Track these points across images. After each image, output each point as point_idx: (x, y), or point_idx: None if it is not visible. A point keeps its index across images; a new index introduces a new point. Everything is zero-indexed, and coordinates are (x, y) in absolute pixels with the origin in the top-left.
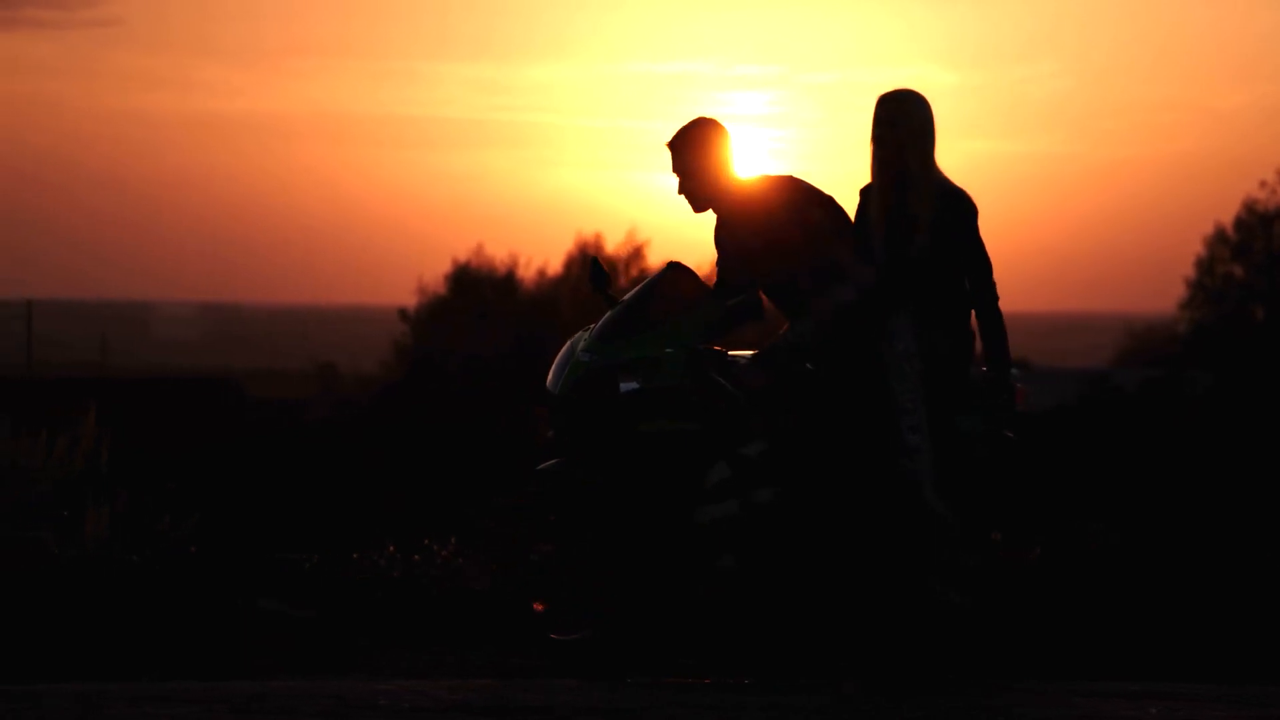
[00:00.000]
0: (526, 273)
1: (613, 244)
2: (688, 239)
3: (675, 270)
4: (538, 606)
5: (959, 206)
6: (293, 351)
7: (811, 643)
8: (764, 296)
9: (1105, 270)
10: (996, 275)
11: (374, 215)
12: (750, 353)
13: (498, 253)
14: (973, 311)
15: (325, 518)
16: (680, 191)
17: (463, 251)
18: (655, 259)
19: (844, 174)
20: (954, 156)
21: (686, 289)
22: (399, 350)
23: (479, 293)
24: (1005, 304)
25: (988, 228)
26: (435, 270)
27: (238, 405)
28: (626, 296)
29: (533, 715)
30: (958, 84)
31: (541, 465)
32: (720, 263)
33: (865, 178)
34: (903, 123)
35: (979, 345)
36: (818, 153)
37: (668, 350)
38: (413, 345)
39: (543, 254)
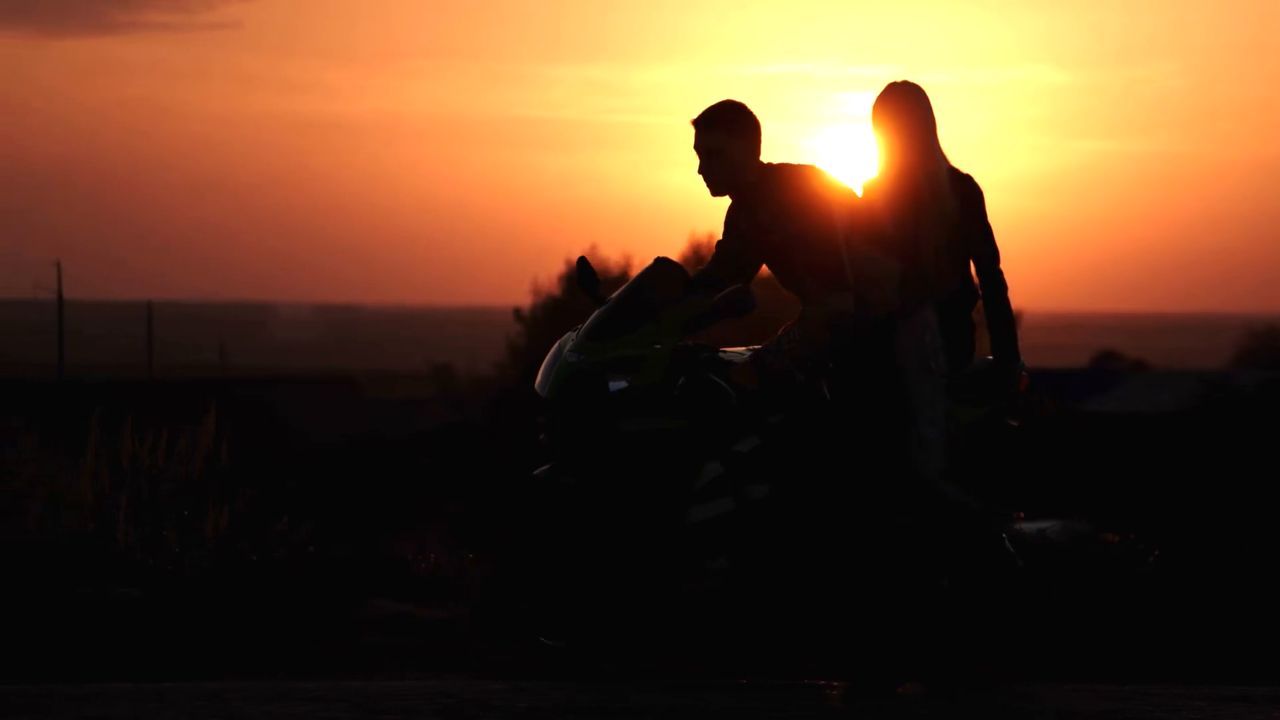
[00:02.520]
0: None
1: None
2: None
3: (662, 266)
4: (539, 614)
5: (966, 191)
6: (408, 352)
7: (806, 642)
8: (782, 287)
9: (1224, 270)
10: (1120, 274)
11: (489, 216)
12: (746, 350)
13: (611, 253)
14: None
15: (442, 518)
16: (701, 171)
17: (577, 251)
18: None
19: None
20: (1066, 156)
21: (675, 285)
22: (513, 351)
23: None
24: (1123, 305)
25: (1102, 228)
26: (550, 271)
27: (354, 406)
28: (614, 295)
29: (629, 716)
30: (1070, 83)
31: (536, 470)
32: (723, 245)
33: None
34: (903, 114)
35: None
36: None
37: (655, 347)
38: (527, 345)
39: (656, 253)
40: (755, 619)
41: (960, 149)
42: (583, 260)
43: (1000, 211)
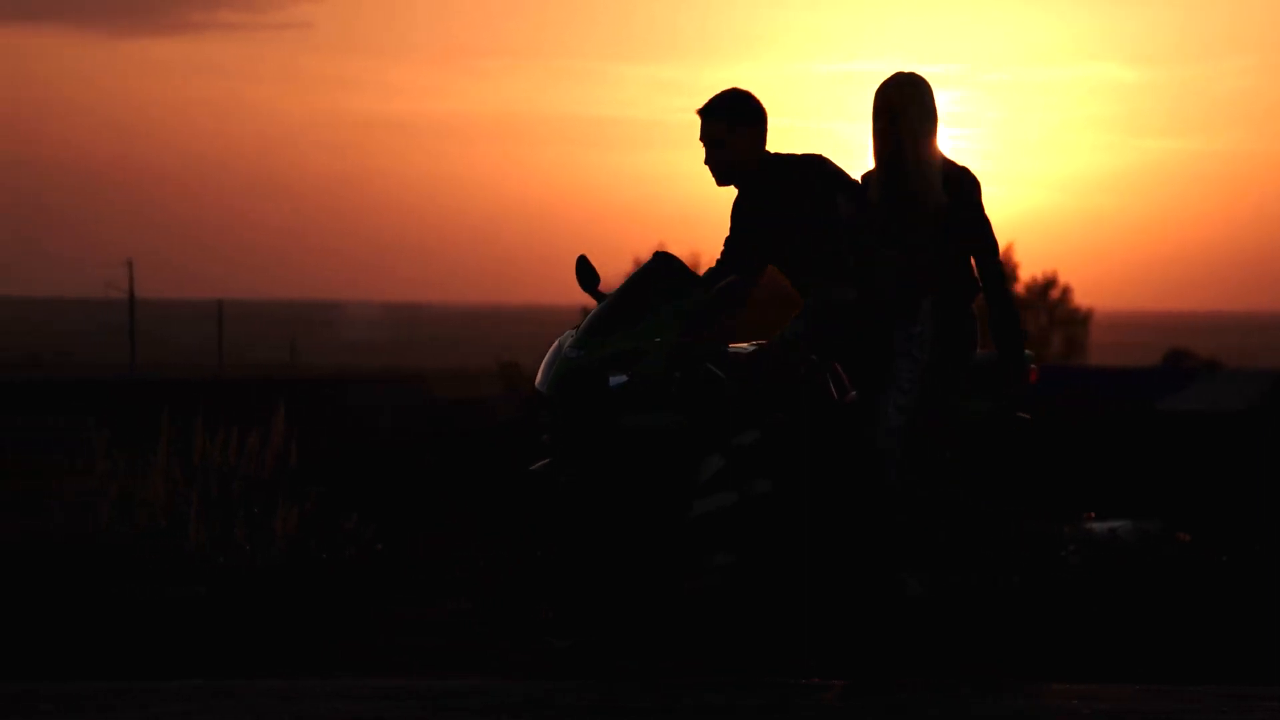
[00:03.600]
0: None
1: None
2: None
3: (662, 260)
4: (543, 614)
5: (962, 184)
6: (477, 350)
7: (807, 641)
8: (785, 279)
9: None
10: (1191, 273)
11: (556, 215)
12: (751, 345)
13: (680, 251)
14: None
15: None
16: (707, 161)
17: (645, 250)
18: None
19: (1028, 171)
20: (1131, 154)
21: (674, 279)
22: None
23: None
24: (1194, 303)
25: (1170, 226)
26: (618, 269)
27: (423, 404)
28: (614, 290)
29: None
30: (1139, 81)
31: (533, 466)
32: (731, 239)
33: (1046, 177)
34: (904, 107)
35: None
36: (999, 151)
37: (655, 341)
38: None
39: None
40: (757, 616)
41: (1024, 147)
42: (582, 258)
43: (1065, 209)
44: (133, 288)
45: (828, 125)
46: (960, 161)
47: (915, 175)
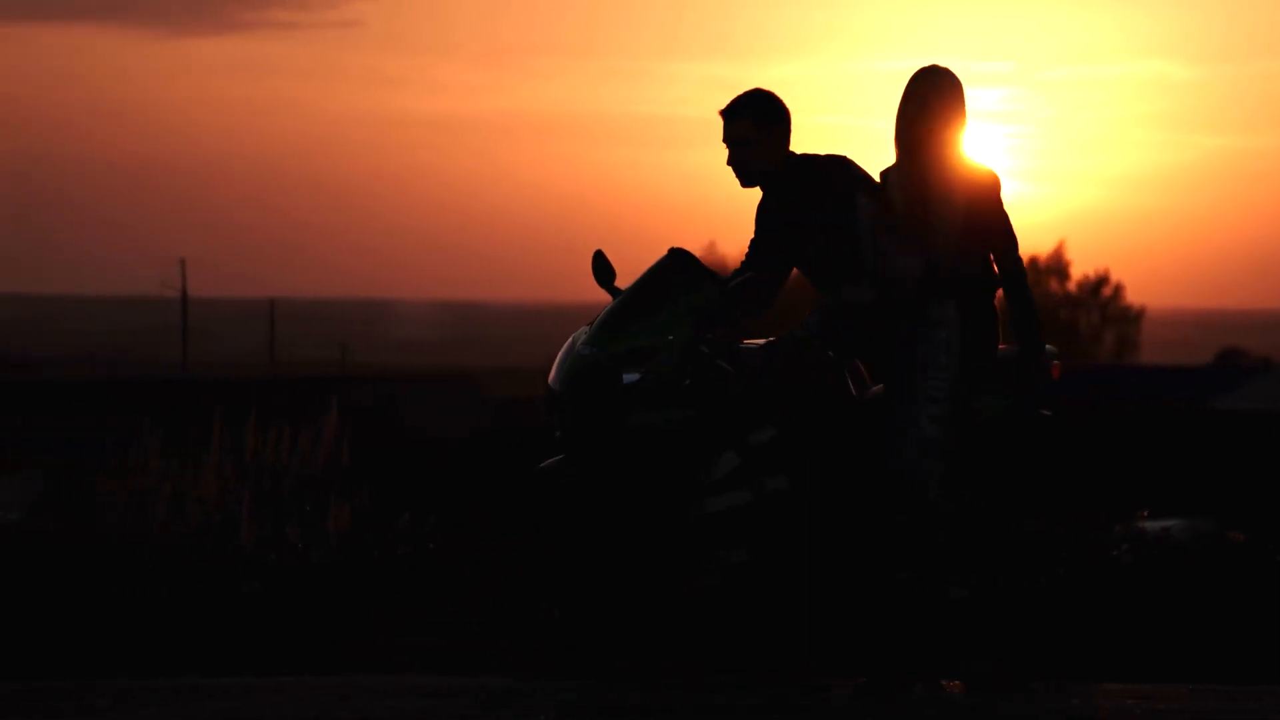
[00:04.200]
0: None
1: None
2: None
3: (677, 257)
4: (556, 612)
5: (981, 180)
6: (529, 349)
7: (807, 641)
8: (808, 279)
9: None
10: (1244, 271)
11: (608, 213)
12: (763, 342)
13: (730, 250)
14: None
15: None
16: (729, 162)
17: (695, 249)
18: None
19: (1080, 169)
20: (1186, 151)
21: (689, 276)
22: None
23: None
24: (1248, 301)
25: (1223, 224)
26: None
27: (475, 403)
28: (628, 286)
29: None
30: (1195, 79)
31: (543, 463)
32: (756, 241)
33: (1103, 172)
34: (930, 100)
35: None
36: (1051, 149)
37: (668, 339)
38: None
39: None
40: (758, 615)
41: (1076, 144)
42: (599, 253)
43: (1117, 207)
44: (185, 286)
45: (881, 124)
46: (985, 160)
47: (937, 167)
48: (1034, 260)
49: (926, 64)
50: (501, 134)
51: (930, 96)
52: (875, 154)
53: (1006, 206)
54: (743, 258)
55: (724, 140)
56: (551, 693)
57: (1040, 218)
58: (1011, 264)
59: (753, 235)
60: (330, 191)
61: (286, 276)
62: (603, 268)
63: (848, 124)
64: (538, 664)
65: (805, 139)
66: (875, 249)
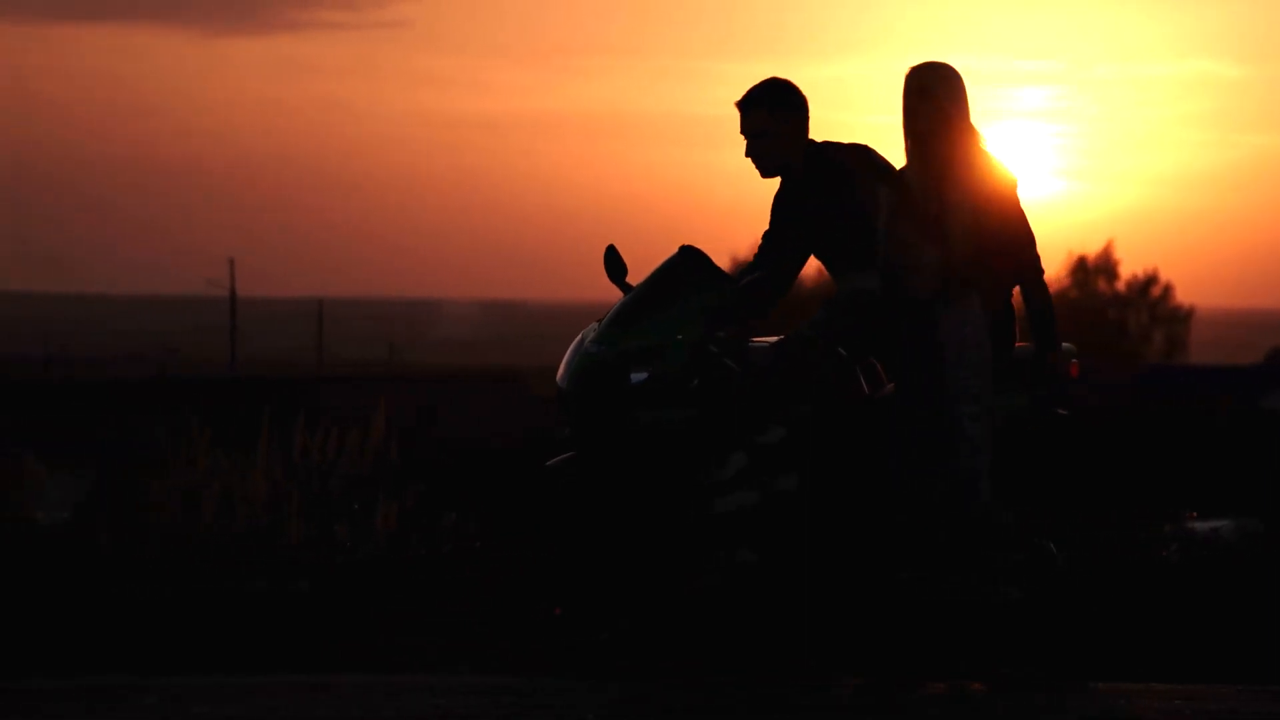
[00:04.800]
0: (807, 270)
1: None
2: None
3: (688, 254)
4: (556, 611)
5: (997, 176)
6: None
7: (807, 641)
8: (825, 270)
9: None
10: None
11: (656, 213)
12: (772, 340)
13: None
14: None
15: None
16: (748, 154)
17: (745, 249)
18: None
19: (1128, 168)
20: (1234, 150)
21: (699, 274)
22: None
23: None
24: None
25: (1272, 223)
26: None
27: (522, 402)
28: (638, 284)
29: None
30: (1243, 77)
31: (551, 461)
32: (770, 233)
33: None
34: (938, 92)
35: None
36: (1099, 147)
37: (677, 338)
38: None
39: None
40: (767, 614)
41: (1124, 143)
42: (611, 248)
43: (1166, 206)
44: (234, 285)
45: None
46: (1002, 157)
47: (948, 153)
48: (1082, 259)
49: (923, 61)
50: (548, 134)
51: (936, 88)
52: None
53: (1054, 206)
54: (755, 252)
55: (741, 132)
56: (585, 692)
57: (1088, 217)
58: (1028, 261)
59: (766, 228)
60: (377, 191)
61: (334, 276)
62: (615, 263)
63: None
64: (538, 664)
65: (858, 138)
66: (895, 239)
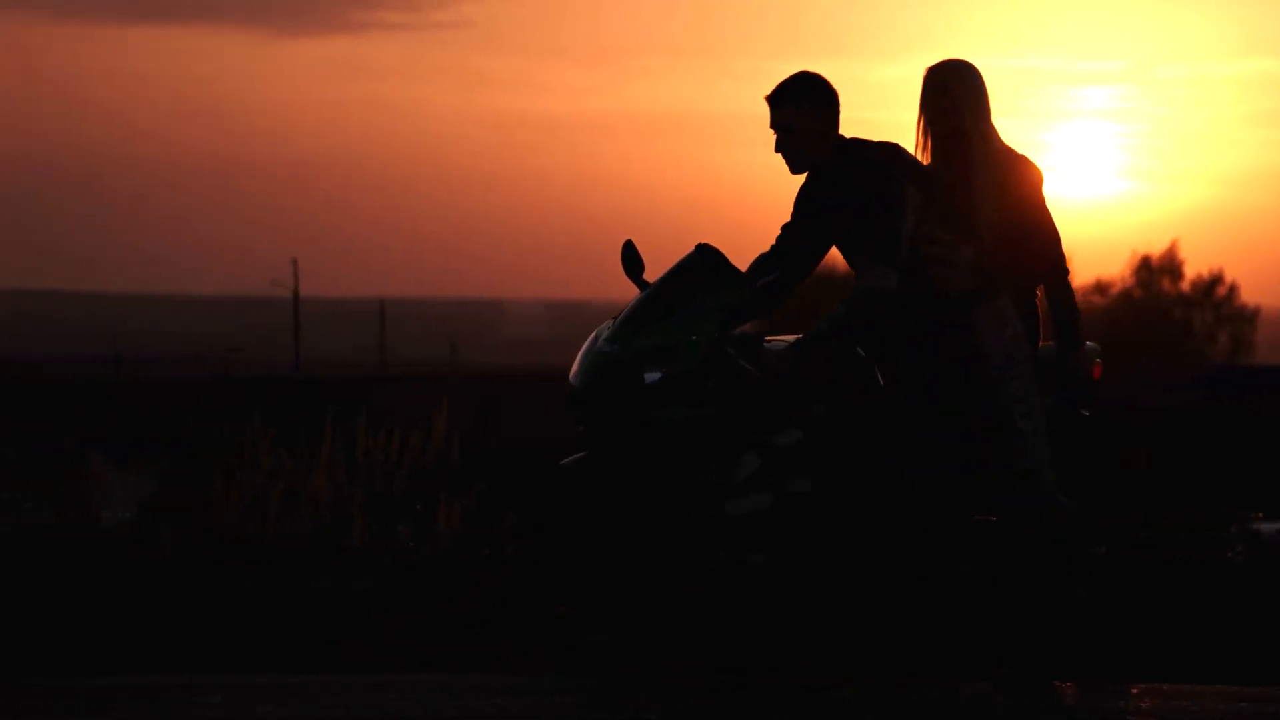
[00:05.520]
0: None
1: None
2: None
3: (704, 252)
4: (560, 610)
5: (1021, 173)
6: None
7: (807, 641)
8: (848, 265)
9: None
10: None
11: (718, 213)
12: (787, 339)
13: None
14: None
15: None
16: (778, 149)
17: None
18: None
19: (1194, 167)
20: None
21: (715, 272)
22: None
23: None
24: None
25: None
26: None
27: None
28: (654, 282)
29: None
30: None
31: (564, 460)
32: (791, 225)
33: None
34: (955, 90)
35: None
36: (1164, 147)
37: (692, 338)
38: None
39: None
40: (767, 614)
41: (1189, 142)
42: (629, 244)
43: (1231, 205)
44: (297, 285)
45: (996, 122)
46: (1021, 152)
47: (972, 150)
48: (1146, 259)
49: (941, 60)
50: (610, 134)
51: (955, 86)
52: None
53: (1118, 206)
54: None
55: (771, 126)
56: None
57: (1152, 216)
58: (1054, 259)
59: (787, 220)
60: (439, 191)
61: (396, 276)
62: (632, 259)
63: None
64: (538, 664)
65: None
66: (925, 236)
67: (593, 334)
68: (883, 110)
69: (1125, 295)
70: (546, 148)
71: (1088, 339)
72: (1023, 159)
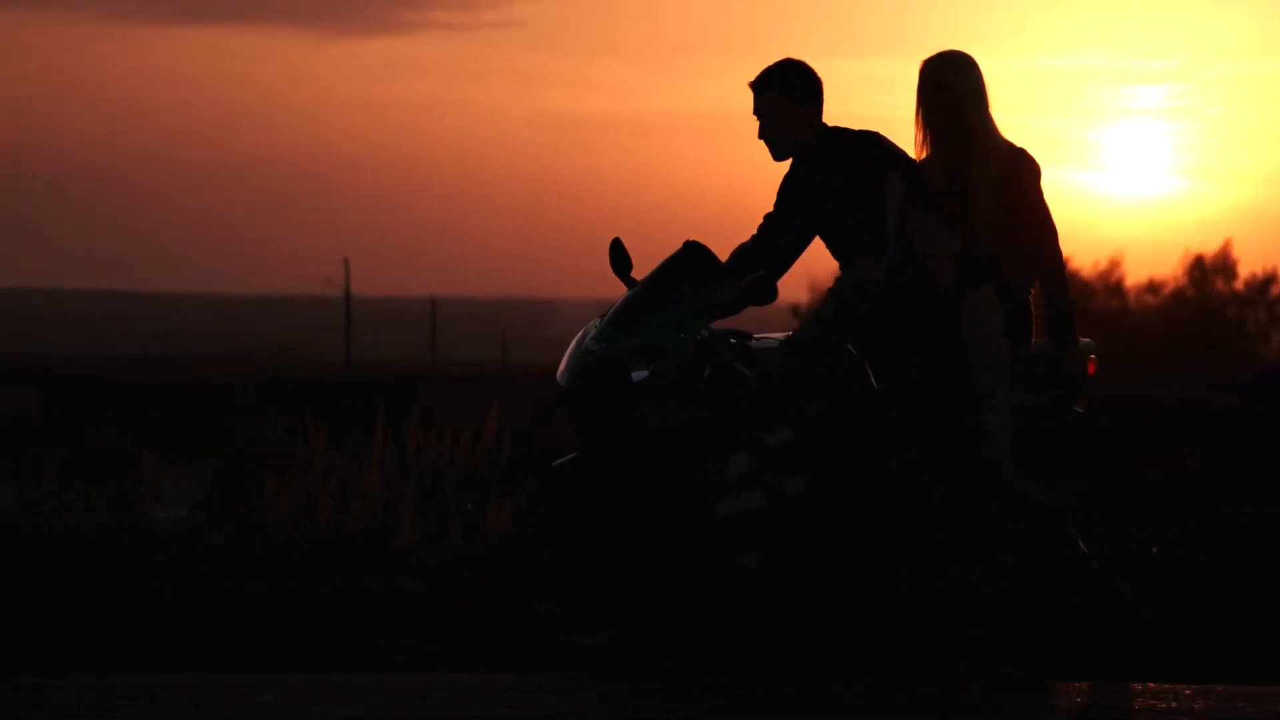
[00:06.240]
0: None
1: None
2: (1081, 236)
3: (691, 250)
4: (548, 605)
5: (1021, 167)
6: None
7: (806, 641)
8: (832, 256)
9: None
10: None
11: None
12: (777, 337)
13: None
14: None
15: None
16: (760, 135)
17: None
18: None
19: (1248, 166)
20: None
21: (702, 270)
22: None
23: None
24: None
25: None
26: (827, 267)
27: None
28: (641, 280)
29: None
30: None
31: (556, 461)
32: (773, 215)
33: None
34: (951, 83)
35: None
36: (1217, 146)
37: (679, 336)
38: None
39: None
40: (767, 614)
41: (1243, 141)
42: (616, 241)
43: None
44: (349, 285)
45: (1039, 120)
46: (1020, 148)
47: (970, 144)
48: (1199, 259)
49: (937, 52)
50: (662, 133)
51: (952, 79)
52: (1051, 152)
53: (1171, 204)
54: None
55: (754, 113)
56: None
57: (1205, 215)
58: (1049, 254)
59: (769, 212)
60: (491, 191)
61: (447, 275)
62: (620, 257)
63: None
64: (538, 664)
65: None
66: (908, 227)
67: (580, 332)
68: None
69: (1178, 294)
70: (597, 147)
71: (1129, 339)
72: (1021, 152)
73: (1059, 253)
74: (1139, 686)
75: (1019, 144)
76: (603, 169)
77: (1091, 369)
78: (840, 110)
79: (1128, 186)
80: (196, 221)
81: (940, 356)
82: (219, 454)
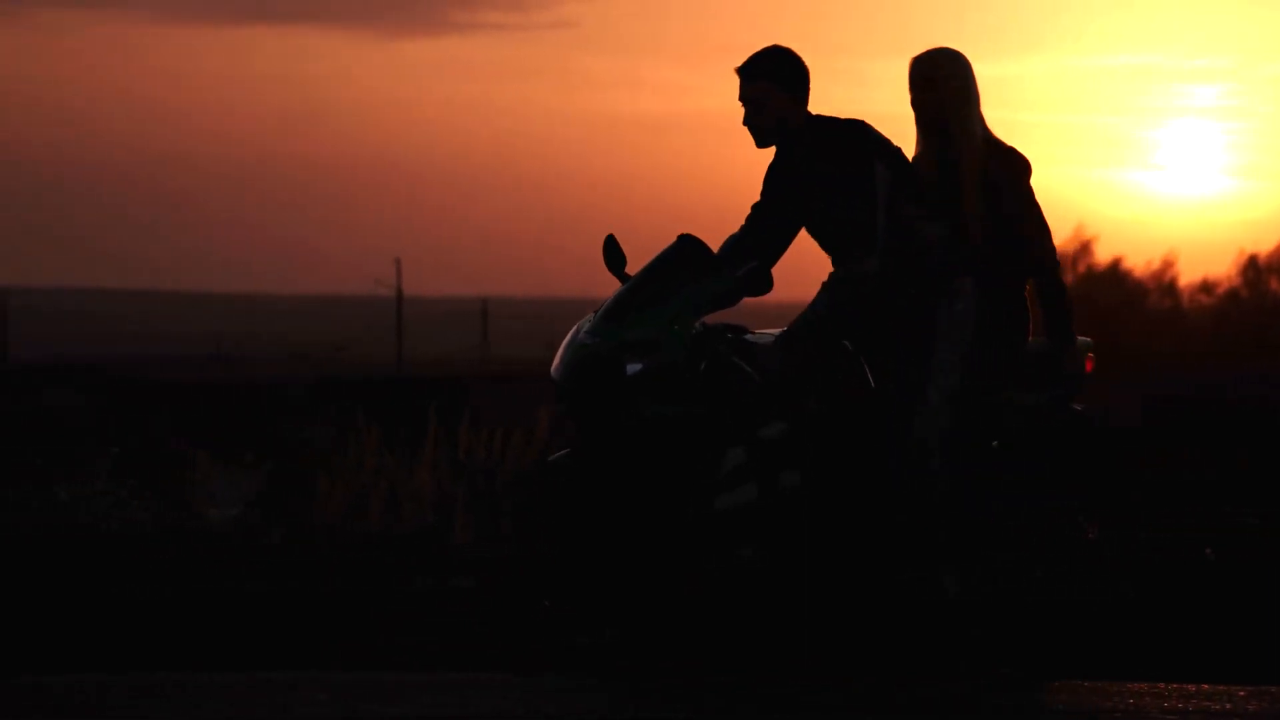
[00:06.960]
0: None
1: (1059, 239)
2: (1134, 236)
3: (685, 243)
4: (548, 605)
5: (1010, 164)
6: None
7: (806, 641)
8: (820, 247)
9: None
10: None
11: None
12: (773, 332)
13: None
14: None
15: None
16: (745, 122)
17: None
18: (1102, 255)
19: None
20: None
21: (696, 263)
22: None
23: None
24: None
25: None
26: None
27: None
28: (635, 274)
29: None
30: None
31: (551, 457)
32: (760, 204)
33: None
34: (938, 80)
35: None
36: (1271, 145)
37: (673, 329)
38: None
39: None
40: (767, 614)
41: None
42: (610, 238)
43: None
44: (400, 285)
45: (1092, 119)
46: (1009, 144)
47: (958, 140)
48: (1253, 258)
49: (927, 49)
50: (713, 134)
51: (939, 75)
52: (1106, 152)
53: (1226, 204)
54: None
55: (740, 99)
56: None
57: (1260, 215)
58: (1042, 252)
59: (756, 202)
60: (542, 191)
61: (499, 275)
62: (613, 253)
63: (1055, 121)
64: (538, 664)
65: (1045, 137)
66: (894, 218)
67: (574, 327)
68: (1000, 109)
69: (1232, 295)
70: (649, 147)
71: (1182, 339)
72: (1010, 149)
73: (1053, 251)
74: (1192, 688)
75: (1017, 144)
76: (655, 169)
77: (1089, 367)
78: (888, 111)
79: (1182, 186)
80: (249, 222)
81: (921, 350)
82: (271, 453)
